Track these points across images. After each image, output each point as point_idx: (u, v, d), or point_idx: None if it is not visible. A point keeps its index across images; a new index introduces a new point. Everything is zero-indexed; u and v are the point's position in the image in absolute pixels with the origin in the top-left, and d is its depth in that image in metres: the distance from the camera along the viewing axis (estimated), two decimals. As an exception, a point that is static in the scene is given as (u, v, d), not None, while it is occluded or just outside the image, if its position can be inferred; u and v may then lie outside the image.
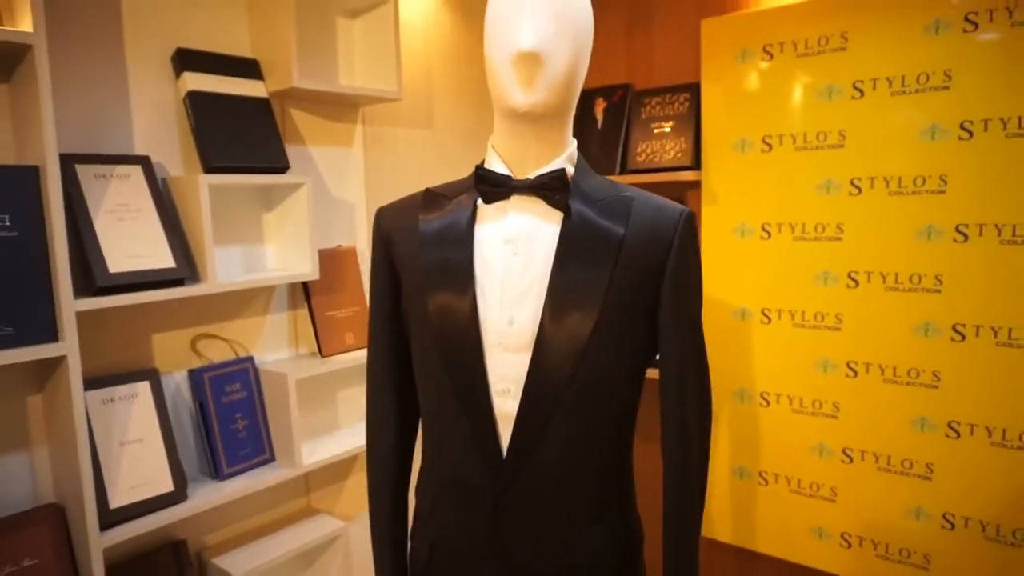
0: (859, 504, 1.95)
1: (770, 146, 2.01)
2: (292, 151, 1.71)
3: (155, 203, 1.40)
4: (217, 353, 1.61)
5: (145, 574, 1.45)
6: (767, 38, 1.99)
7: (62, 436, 1.27)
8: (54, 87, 1.17)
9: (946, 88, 1.72)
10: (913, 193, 1.79)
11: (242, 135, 1.51)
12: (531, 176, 0.96)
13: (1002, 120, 1.65)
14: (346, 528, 1.75)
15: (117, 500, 1.33)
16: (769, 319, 2.06)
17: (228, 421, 1.56)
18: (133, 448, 1.39)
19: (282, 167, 1.57)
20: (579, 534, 0.98)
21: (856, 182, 1.87)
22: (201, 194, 1.39)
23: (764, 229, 2.05)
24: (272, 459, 1.63)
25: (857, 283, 1.90)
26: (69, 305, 1.20)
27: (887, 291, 1.85)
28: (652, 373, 1.04)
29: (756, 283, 2.08)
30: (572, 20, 0.93)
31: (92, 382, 1.35)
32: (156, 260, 1.35)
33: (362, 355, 1.77)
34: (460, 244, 0.97)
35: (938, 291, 1.77)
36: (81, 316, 1.24)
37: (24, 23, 1.14)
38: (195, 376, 1.53)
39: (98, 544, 1.26)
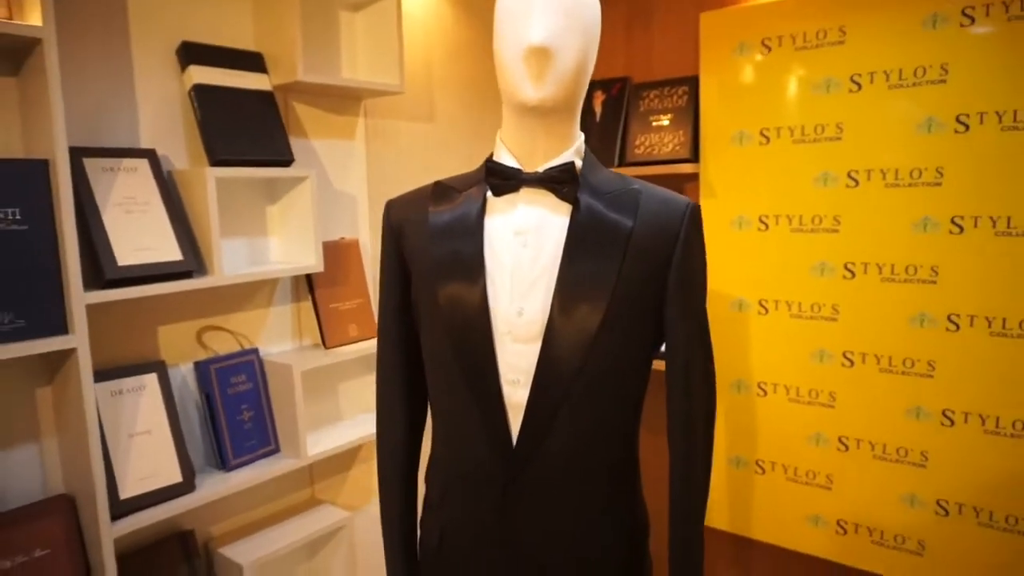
0: (855, 492, 1.98)
1: (768, 139, 2.03)
2: (295, 144, 1.71)
3: (162, 196, 1.40)
4: (222, 345, 1.62)
5: (153, 564, 1.47)
6: (765, 31, 2.00)
7: (72, 428, 1.28)
8: (61, 80, 1.18)
9: (943, 82, 1.74)
10: (909, 185, 1.81)
11: (247, 128, 1.52)
12: (540, 169, 0.98)
13: (998, 113, 1.67)
14: (350, 518, 1.77)
15: (127, 491, 1.35)
16: (766, 310, 2.09)
17: (234, 412, 1.57)
18: (141, 439, 1.40)
19: (287, 160, 1.58)
20: (586, 523, 1.00)
21: (853, 174, 1.89)
22: (208, 187, 1.40)
23: (762, 221, 2.07)
24: (277, 450, 1.65)
25: (853, 274, 1.92)
26: (79, 298, 1.21)
27: (883, 282, 1.88)
28: (657, 364, 1.06)
29: (753, 274, 2.10)
30: (581, 15, 0.95)
31: (100, 374, 1.36)
32: (164, 253, 1.36)
33: (365, 347, 1.78)
34: (470, 236, 0.99)
35: (933, 282, 1.80)
36: (89, 309, 1.25)
37: (33, 17, 1.15)
38: (201, 368, 1.54)
39: (109, 534, 1.27)
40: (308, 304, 1.76)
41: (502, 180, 0.99)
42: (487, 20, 2.27)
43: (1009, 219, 1.68)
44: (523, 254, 0.97)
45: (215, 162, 1.46)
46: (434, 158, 2.13)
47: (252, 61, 1.58)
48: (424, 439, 1.16)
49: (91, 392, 1.23)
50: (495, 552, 1.01)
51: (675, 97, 2.23)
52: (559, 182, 0.97)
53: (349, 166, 1.89)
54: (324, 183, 1.82)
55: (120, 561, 1.33)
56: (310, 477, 1.85)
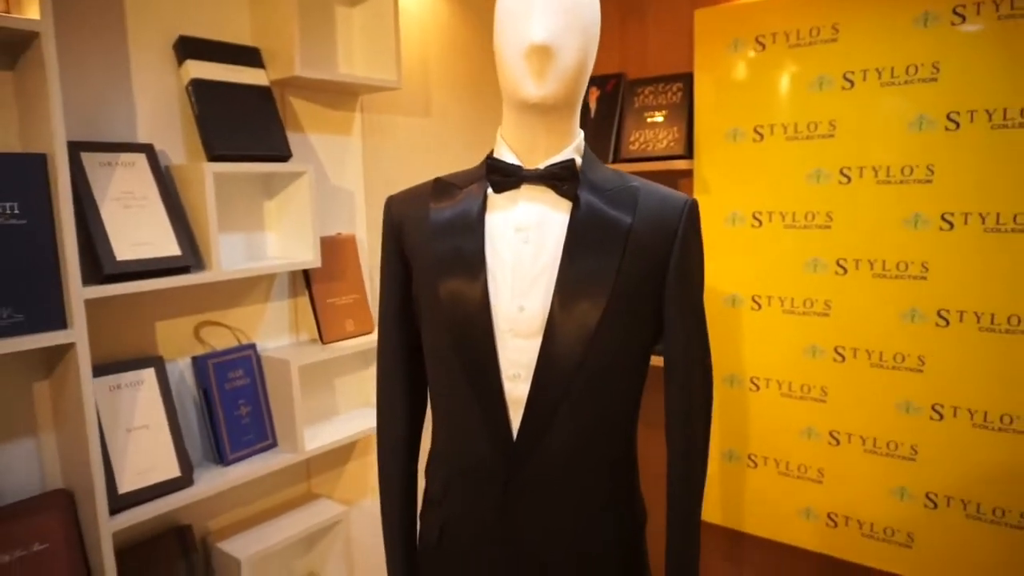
0: (845, 485, 2.00)
1: (761, 136, 2.05)
2: (292, 139, 1.71)
3: (159, 191, 1.40)
4: (220, 340, 1.63)
5: (151, 559, 1.47)
6: (759, 29, 2.02)
7: (71, 422, 1.28)
8: (59, 75, 1.17)
9: (934, 80, 1.76)
10: (901, 182, 1.83)
11: (244, 123, 1.52)
12: (541, 166, 0.99)
13: (988, 111, 1.70)
14: (347, 512, 1.78)
15: (125, 485, 1.35)
16: (759, 306, 2.11)
17: (231, 407, 1.57)
18: (139, 434, 1.40)
19: (284, 155, 1.58)
20: (586, 518, 1.01)
21: (845, 171, 1.91)
22: (206, 182, 1.40)
23: (755, 217, 2.09)
24: (274, 444, 1.65)
25: (845, 270, 1.94)
26: (78, 292, 1.21)
27: (875, 278, 1.90)
28: (654, 360, 1.07)
29: (747, 270, 2.12)
30: (581, 14, 0.95)
31: (98, 369, 1.36)
32: (162, 248, 1.36)
33: (362, 342, 1.79)
34: (471, 232, 1.00)
35: (924, 278, 1.82)
36: (87, 303, 1.25)
37: (31, 10, 1.14)
38: (199, 363, 1.54)
39: (108, 528, 1.27)
40: (305, 299, 1.77)
41: (503, 177, 1.00)
42: (484, 16, 2.28)
43: (998, 215, 1.70)
44: (524, 250, 0.97)
45: (213, 157, 1.46)
46: (431, 153, 2.14)
47: (249, 56, 1.58)
48: (424, 434, 1.17)
49: (89, 387, 1.23)
50: (495, 547, 1.01)
51: (669, 94, 2.25)
52: (559, 179, 0.98)
53: (346, 161, 1.89)
54: (321, 178, 1.82)
55: (118, 555, 1.33)
56: (307, 471, 1.85)
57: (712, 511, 2.27)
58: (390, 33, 1.78)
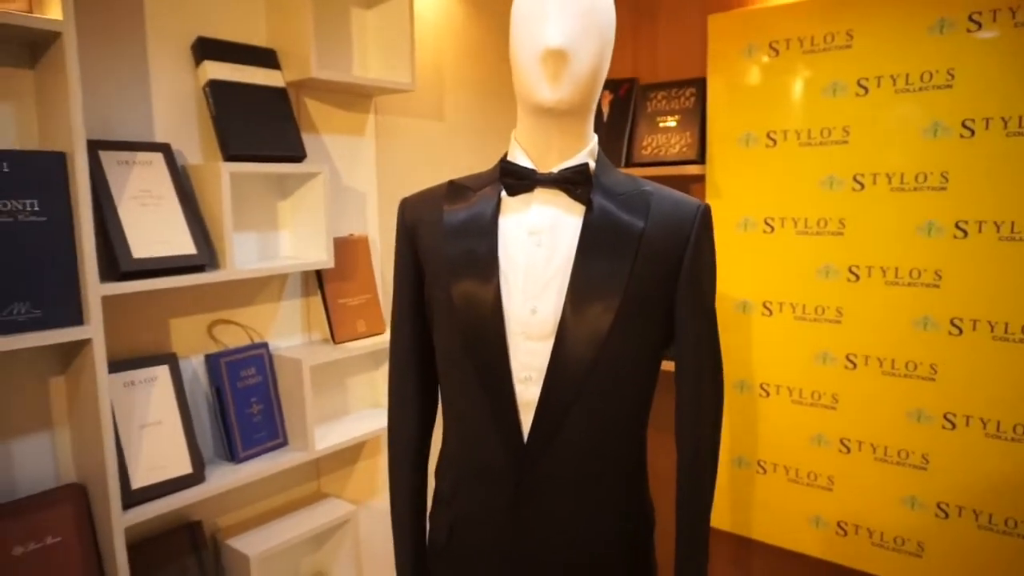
0: (855, 493, 1.99)
1: (774, 141, 2.04)
2: (307, 140, 1.73)
3: (176, 190, 1.42)
4: (233, 339, 1.64)
5: (162, 554, 1.48)
6: (773, 34, 2.02)
7: (85, 418, 1.29)
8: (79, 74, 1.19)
9: (949, 87, 1.76)
10: (915, 189, 1.82)
11: (260, 124, 1.53)
12: (554, 170, 0.99)
13: (1003, 119, 1.69)
14: (356, 512, 1.78)
15: (138, 481, 1.36)
16: (770, 312, 2.10)
17: (243, 405, 1.59)
18: (153, 430, 1.41)
19: (299, 156, 1.59)
20: (596, 520, 1.01)
21: (859, 178, 1.91)
22: (222, 182, 1.41)
23: (767, 223, 2.08)
24: (285, 443, 1.66)
25: (858, 277, 1.94)
26: (95, 289, 1.22)
27: (887, 285, 1.89)
28: (665, 364, 1.07)
29: (758, 276, 2.12)
30: (596, 18, 0.96)
31: (113, 365, 1.37)
32: (178, 246, 1.38)
33: (373, 342, 1.79)
34: (485, 235, 1.00)
35: (937, 286, 1.81)
36: (104, 300, 1.26)
37: (53, 10, 1.16)
38: (212, 361, 1.56)
39: (120, 523, 1.28)
40: (317, 299, 1.78)
41: (516, 180, 1.00)
42: (499, 19, 2.29)
43: (1013, 224, 1.69)
44: (537, 254, 0.98)
45: (228, 157, 1.47)
46: (444, 156, 2.15)
47: (266, 57, 1.60)
48: (435, 435, 1.17)
49: (105, 383, 1.25)
50: (504, 548, 1.02)
51: (682, 98, 2.25)
52: (573, 183, 0.98)
53: (359, 163, 1.90)
54: (335, 179, 1.84)
55: (130, 550, 1.34)
56: (317, 470, 1.86)
57: (721, 517, 2.26)
58: (405, 35, 1.80)
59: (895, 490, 1.92)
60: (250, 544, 1.59)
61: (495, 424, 0.99)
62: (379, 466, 1.88)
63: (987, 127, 1.71)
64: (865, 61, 1.87)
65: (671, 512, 1.08)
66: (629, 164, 2.31)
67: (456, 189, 1.07)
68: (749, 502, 2.21)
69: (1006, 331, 1.72)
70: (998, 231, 1.72)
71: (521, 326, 0.97)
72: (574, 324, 0.95)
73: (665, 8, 2.32)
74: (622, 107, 2.38)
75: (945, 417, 1.83)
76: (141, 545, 1.45)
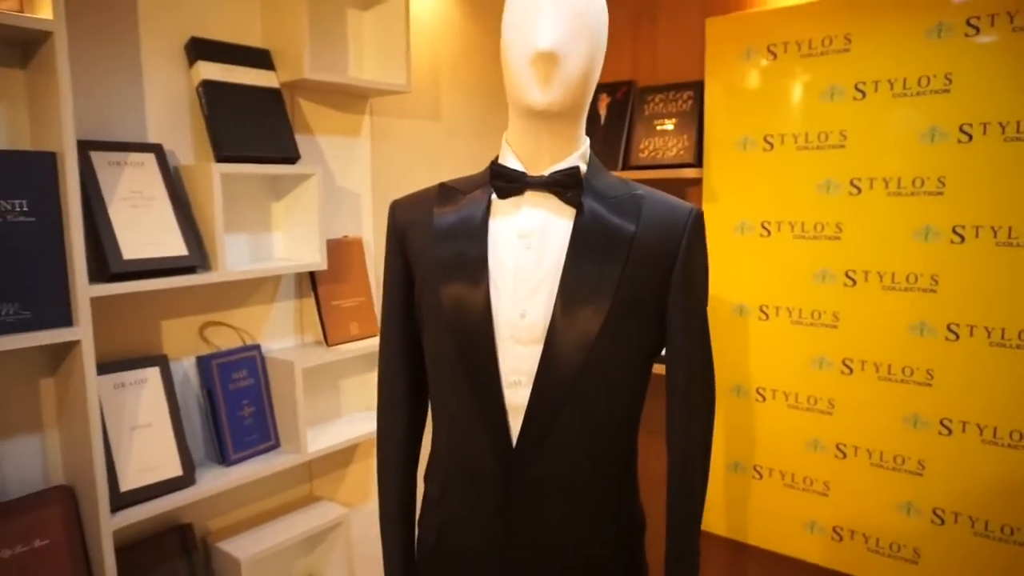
0: (851, 499, 1.98)
1: (772, 145, 2.04)
2: (301, 141, 1.72)
3: (167, 191, 1.41)
4: (224, 340, 1.63)
5: (152, 557, 1.48)
6: (771, 38, 2.01)
7: (75, 419, 1.29)
8: (70, 74, 1.18)
9: (947, 91, 1.75)
10: (912, 194, 1.82)
11: (254, 125, 1.52)
12: (545, 173, 0.99)
13: (1001, 124, 1.68)
14: (348, 515, 1.77)
15: (127, 483, 1.35)
16: (767, 316, 2.09)
17: (235, 408, 1.58)
18: (143, 432, 1.41)
19: (293, 157, 1.59)
20: (585, 523, 1.00)
21: (856, 182, 1.90)
22: (213, 183, 1.41)
23: (764, 227, 2.07)
24: (277, 445, 1.66)
25: (854, 282, 1.93)
26: (84, 290, 1.22)
27: (884, 290, 1.88)
28: (656, 368, 1.07)
29: (755, 280, 2.11)
30: (588, 21, 0.95)
31: (103, 367, 1.36)
32: (168, 248, 1.37)
33: (366, 345, 1.79)
34: (474, 238, 1.00)
35: (934, 291, 1.80)
36: (94, 301, 1.26)
37: (44, 10, 1.15)
38: (203, 363, 1.55)
39: (109, 526, 1.28)
40: (311, 301, 1.77)
41: (507, 183, 0.99)
42: (495, 20, 2.28)
43: (1010, 229, 1.68)
44: (527, 257, 0.97)
45: (221, 158, 1.46)
46: (440, 157, 2.14)
47: (260, 58, 1.59)
48: (425, 438, 1.16)
49: (94, 384, 1.24)
50: (493, 551, 1.01)
51: (680, 101, 2.24)
52: (563, 186, 0.97)
53: (354, 164, 1.89)
54: (329, 180, 1.83)
55: (119, 553, 1.33)
56: (309, 473, 1.85)
57: (716, 522, 2.25)
58: (401, 37, 1.79)
59: (891, 496, 1.91)
60: (241, 547, 1.58)
61: (484, 428, 0.98)
62: (372, 469, 1.87)
63: (985, 132, 1.71)
64: (863, 65, 1.86)
65: (663, 515, 1.07)
66: (626, 167, 2.31)
67: (446, 192, 1.07)
68: (745, 507, 2.20)
69: (1003, 337, 1.72)
70: (995, 236, 1.71)
71: (510, 330, 0.97)
72: (563, 328, 0.95)
73: (663, 11, 2.31)
74: (620, 109, 2.37)
75: (941, 423, 1.82)
76: (131, 547, 1.44)
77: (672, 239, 0.98)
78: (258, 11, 1.64)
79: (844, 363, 1.97)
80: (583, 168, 1.00)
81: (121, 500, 1.33)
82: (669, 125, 2.25)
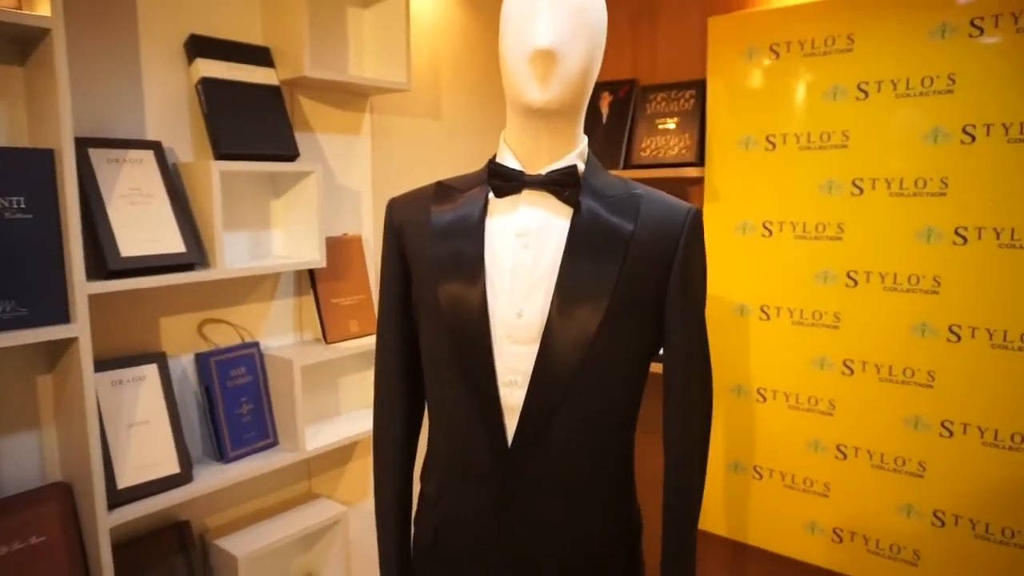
0: (852, 500, 1.98)
1: (774, 145, 2.03)
2: (301, 139, 1.72)
3: (166, 188, 1.41)
4: (223, 338, 1.63)
5: (149, 554, 1.48)
6: (774, 37, 2.00)
7: (72, 416, 1.29)
8: (69, 71, 1.18)
9: (950, 92, 1.74)
10: (914, 195, 1.81)
11: (253, 122, 1.52)
12: (543, 171, 0.98)
13: (1004, 125, 1.67)
14: (346, 513, 1.77)
15: (124, 480, 1.35)
16: (768, 316, 2.09)
17: (233, 405, 1.58)
18: (140, 430, 1.41)
19: (292, 155, 1.58)
20: (582, 523, 1.00)
21: (858, 183, 1.89)
22: (212, 180, 1.40)
23: (765, 227, 2.07)
24: (276, 443, 1.65)
25: (856, 282, 1.92)
26: (82, 288, 1.22)
27: (885, 291, 1.87)
28: (653, 368, 1.06)
29: (756, 280, 2.10)
30: (587, 19, 0.95)
31: (101, 364, 1.36)
32: (167, 245, 1.37)
33: (366, 342, 1.79)
34: (471, 237, 0.99)
35: (936, 292, 1.80)
36: (91, 299, 1.26)
37: (42, 7, 1.15)
38: (201, 360, 1.55)
39: (106, 523, 1.28)
40: (310, 299, 1.77)
41: (504, 182, 0.99)
42: (495, 18, 2.27)
43: (1013, 231, 1.67)
44: (524, 256, 0.97)
45: (220, 155, 1.46)
46: (440, 155, 2.13)
47: (259, 55, 1.59)
48: (421, 436, 1.16)
49: (91, 381, 1.24)
50: (489, 551, 1.01)
51: (682, 100, 2.23)
52: (561, 185, 0.97)
53: (354, 162, 1.89)
54: (329, 178, 1.83)
55: (116, 550, 1.34)
56: (307, 471, 1.85)
57: (716, 522, 2.25)
58: (401, 34, 1.79)
59: (891, 497, 1.91)
60: (239, 544, 1.58)
61: (480, 427, 0.98)
62: (370, 467, 1.87)
63: (988, 133, 1.70)
64: (866, 65, 1.85)
65: (660, 515, 1.07)
66: (628, 166, 2.30)
67: (444, 190, 1.06)
68: (745, 507, 2.20)
69: (1005, 339, 1.71)
70: (998, 238, 1.70)
71: (507, 329, 0.96)
72: (560, 327, 0.94)
73: (665, 10, 2.30)
74: (621, 108, 2.36)
75: (943, 425, 1.81)
76: (128, 544, 1.44)
77: (670, 238, 0.97)
78: (258, 8, 1.63)
79: (845, 364, 1.96)
80: (581, 167, 1.00)
81: (118, 497, 1.33)
82: (671, 124, 2.24)
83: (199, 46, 1.49)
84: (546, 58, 0.91)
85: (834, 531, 2.02)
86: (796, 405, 2.06)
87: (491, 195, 1.01)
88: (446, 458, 1.05)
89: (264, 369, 1.65)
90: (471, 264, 0.98)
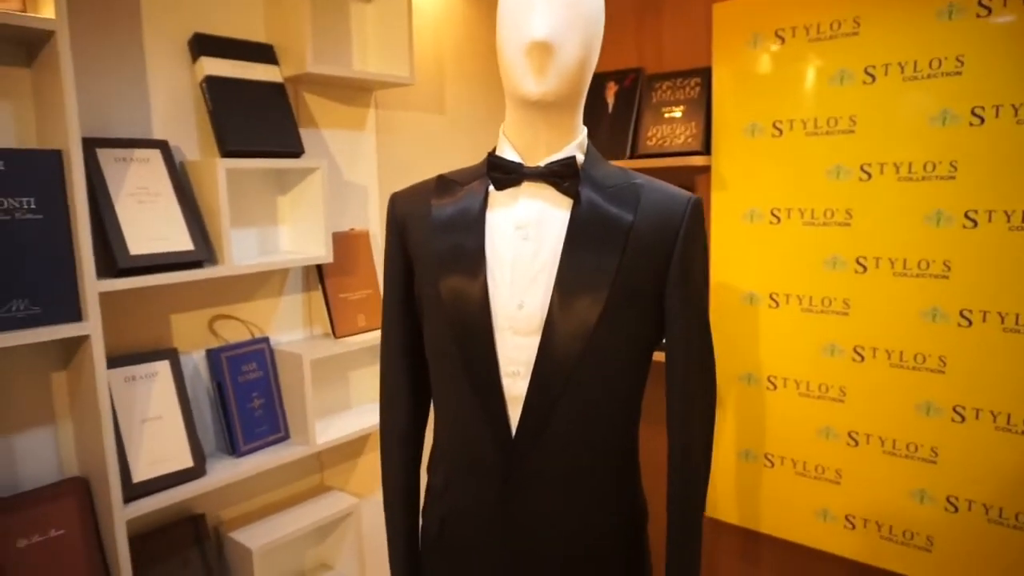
0: (864, 487, 1.97)
1: (780, 131, 2.01)
2: (305, 135, 1.73)
3: (173, 186, 1.43)
4: (233, 334, 1.65)
5: (165, 546, 1.50)
6: (779, 22, 1.98)
7: (86, 412, 1.31)
8: (74, 72, 1.20)
9: (958, 73, 1.72)
10: (923, 179, 1.79)
11: (258, 119, 1.53)
12: (542, 163, 0.98)
13: (1013, 106, 1.65)
14: (358, 505, 1.79)
15: (139, 474, 1.38)
16: (777, 304, 2.08)
17: (245, 400, 1.60)
18: (154, 425, 1.43)
19: (297, 151, 1.59)
20: (586, 513, 1.01)
21: (866, 167, 1.87)
22: (218, 178, 1.42)
23: (773, 214, 2.05)
24: (287, 437, 1.68)
25: (865, 268, 1.91)
26: (92, 286, 1.24)
27: (895, 276, 1.86)
28: (658, 356, 1.06)
29: (765, 268, 2.09)
30: (583, 11, 0.95)
31: (114, 360, 1.39)
32: (175, 243, 1.39)
33: (374, 336, 1.80)
34: (472, 230, 1.00)
35: (946, 276, 1.78)
36: (103, 297, 1.28)
37: (47, 9, 1.17)
38: (213, 356, 1.57)
39: (121, 516, 1.30)
40: (319, 294, 1.79)
41: (504, 174, 0.99)
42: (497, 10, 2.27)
43: (1023, 213, 1.66)
44: (524, 248, 0.97)
45: (226, 153, 1.48)
46: (445, 149, 2.14)
47: (263, 53, 1.60)
48: (428, 428, 1.17)
49: (104, 378, 1.26)
50: (495, 541, 1.02)
51: (688, 88, 2.22)
52: (560, 176, 0.97)
53: (360, 157, 1.90)
54: (335, 174, 1.84)
55: (132, 542, 1.36)
56: (320, 464, 1.87)
57: (728, 510, 2.25)
58: (404, 29, 1.79)
59: (904, 483, 1.90)
60: (253, 537, 1.60)
61: (484, 419, 0.99)
62: (381, 460, 1.89)
63: (997, 115, 1.67)
64: (872, 48, 1.83)
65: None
66: (634, 155, 2.29)
67: (444, 183, 1.07)
68: (756, 495, 2.20)
69: (1016, 322, 1.69)
70: (1008, 220, 1.68)
71: (508, 321, 0.97)
72: (561, 318, 0.95)
73: (670, -3, 2.29)
74: (627, 98, 2.35)
75: (954, 410, 1.80)
76: (145, 537, 1.47)
77: (670, 228, 0.98)
78: (261, 6, 1.65)
79: (855, 350, 1.95)
80: (580, 158, 1.00)
81: (133, 491, 1.36)
82: (677, 112, 2.23)
83: (203, 44, 1.50)
84: (542, 50, 0.92)
85: (846, 518, 2.01)
86: (807, 392, 2.05)
87: (491, 188, 1.02)
88: (451, 450, 1.06)
89: (275, 364, 1.67)
90: (472, 257, 0.99)
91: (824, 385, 2.02)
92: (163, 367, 1.47)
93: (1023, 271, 1.67)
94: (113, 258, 1.30)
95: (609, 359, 0.97)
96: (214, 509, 1.63)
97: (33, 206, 1.19)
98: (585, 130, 1.03)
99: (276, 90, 1.60)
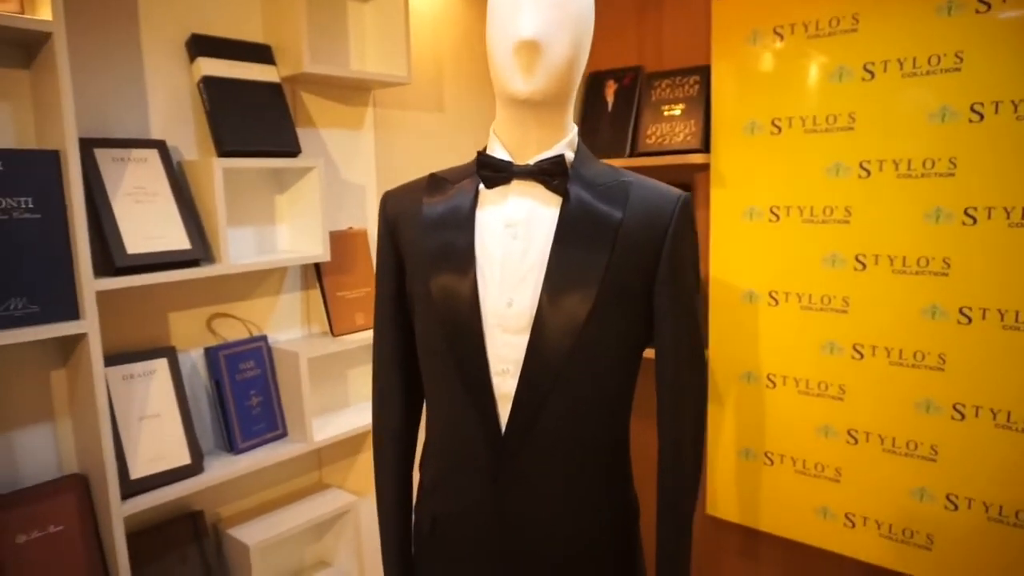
0: (863, 485, 1.96)
1: (779, 129, 2.01)
2: (303, 134, 1.74)
3: (171, 186, 1.44)
4: (231, 332, 1.66)
5: (164, 542, 1.52)
6: (778, 19, 1.98)
7: (85, 410, 1.32)
8: (72, 73, 1.21)
9: (957, 70, 1.71)
10: (922, 176, 1.78)
11: (255, 119, 1.54)
12: (531, 162, 0.99)
13: (1013, 103, 1.64)
14: (356, 502, 1.80)
15: (137, 471, 1.39)
16: (776, 301, 2.07)
17: (243, 398, 1.61)
18: (152, 422, 1.44)
19: (294, 151, 1.60)
20: (577, 509, 1.01)
21: (865, 165, 1.87)
22: (215, 177, 1.43)
23: (773, 212, 2.05)
24: (285, 434, 1.69)
25: (865, 266, 1.90)
26: (89, 284, 1.25)
27: (894, 274, 1.85)
28: (649, 352, 1.07)
29: (764, 266, 2.09)
30: (571, 9, 0.95)
31: (112, 359, 1.40)
32: (172, 242, 1.40)
33: (371, 335, 1.81)
34: (462, 228, 1.00)
35: (945, 274, 1.77)
36: (101, 295, 1.29)
37: (44, 11, 1.18)
38: (211, 354, 1.58)
39: (119, 513, 1.31)
40: (316, 292, 1.80)
41: (493, 172, 1.00)
42: (498, 9, 2.27)
43: (1023, 210, 1.64)
44: (513, 246, 0.98)
45: (223, 153, 1.49)
46: (442, 148, 2.15)
47: (260, 53, 1.61)
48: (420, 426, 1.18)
49: (101, 376, 1.27)
50: (486, 538, 1.02)
51: (687, 86, 2.22)
52: (550, 174, 0.97)
53: (357, 156, 1.91)
54: (332, 173, 1.85)
55: (131, 539, 1.37)
56: (318, 461, 1.88)
57: (728, 509, 2.25)
58: (401, 28, 1.80)
59: (903, 482, 1.89)
60: (251, 533, 1.61)
61: (474, 417, 0.99)
62: (381, 457, 1.90)
63: (996, 111, 1.67)
64: (871, 45, 1.83)
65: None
66: (634, 153, 2.29)
67: (436, 182, 1.08)
68: (756, 494, 2.19)
69: (1016, 320, 1.68)
70: (1008, 217, 1.67)
71: (498, 319, 0.97)
72: (550, 315, 0.95)
73: (669, -6, 2.28)
74: (627, 96, 2.35)
75: (954, 408, 1.79)
76: (144, 533, 1.48)
77: (659, 226, 0.98)
78: (258, 6, 1.65)
79: (855, 348, 1.94)
80: (570, 156, 1.00)
81: (131, 488, 1.37)
82: (676, 111, 2.23)
83: (200, 45, 1.51)
84: (530, 49, 0.92)
85: (846, 516, 2.01)
86: (806, 390, 2.05)
87: (481, 186, 1.02)
88: (442, 448, 1.06)
89: (272, 362, 1.68)
90: (462, 255, 0.99)
91: (823, 383, 2.01)
92: (161, 365, 1.48)
93: (1022, 268, 1.66)
94: (111, 257, 1.32)
95: (598, 356, 0.97)
96: (212, 506, 1.64)
97: (31, 206, 1.20)
98: (575, 128, 1.04)
99: (273, 90, 1.61)
